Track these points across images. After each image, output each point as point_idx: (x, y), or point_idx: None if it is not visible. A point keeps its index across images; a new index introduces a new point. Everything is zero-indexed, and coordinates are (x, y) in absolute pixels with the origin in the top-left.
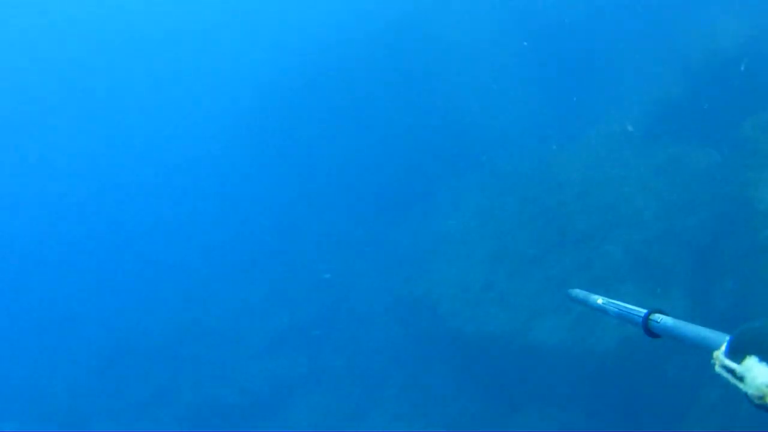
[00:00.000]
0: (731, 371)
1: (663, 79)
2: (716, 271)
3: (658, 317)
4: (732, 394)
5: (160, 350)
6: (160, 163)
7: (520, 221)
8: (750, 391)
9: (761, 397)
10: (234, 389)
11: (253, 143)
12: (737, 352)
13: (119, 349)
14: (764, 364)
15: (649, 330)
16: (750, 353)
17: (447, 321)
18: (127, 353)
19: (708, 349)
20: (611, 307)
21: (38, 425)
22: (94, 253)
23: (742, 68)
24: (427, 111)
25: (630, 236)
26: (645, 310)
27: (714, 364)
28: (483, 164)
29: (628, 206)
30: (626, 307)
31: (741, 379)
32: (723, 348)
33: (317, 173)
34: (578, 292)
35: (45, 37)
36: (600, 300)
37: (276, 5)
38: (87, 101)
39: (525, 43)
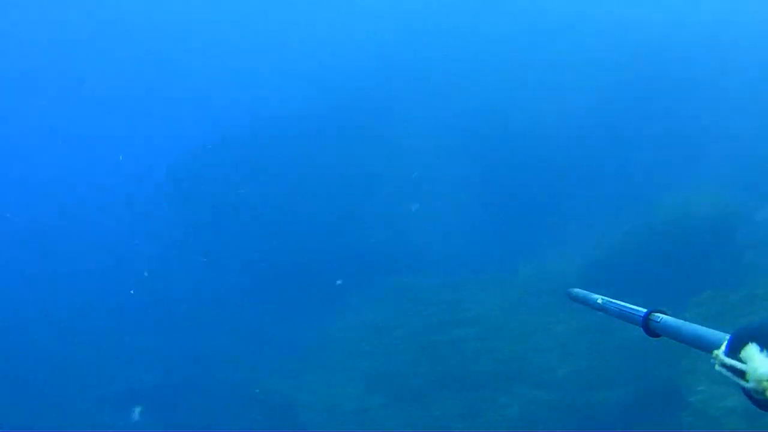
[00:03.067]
0: (732, 369)
1: (609, 238)
2: None
3: (658, 317)
4: None
5: None
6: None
7: (411, 346)
8: (751, 384)
9: (762, 391)
10: None
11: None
12: (737, 351)
13: None
14: (765, 353)
15: (649, 329)
16: (750, 342)
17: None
18: None
19: (708, 349)
20: (611, 307)
21: None
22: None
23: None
24: (348, 208)
25: (532, 395)
26: (645, 310)
27: (714, 364)
28: (389, 275)
29: (538, 362)
30: (626, 307)
31: (742, 375)
32: (723, 347)
33: (223, 246)
34: (578, 292)
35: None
36: (600, 299)
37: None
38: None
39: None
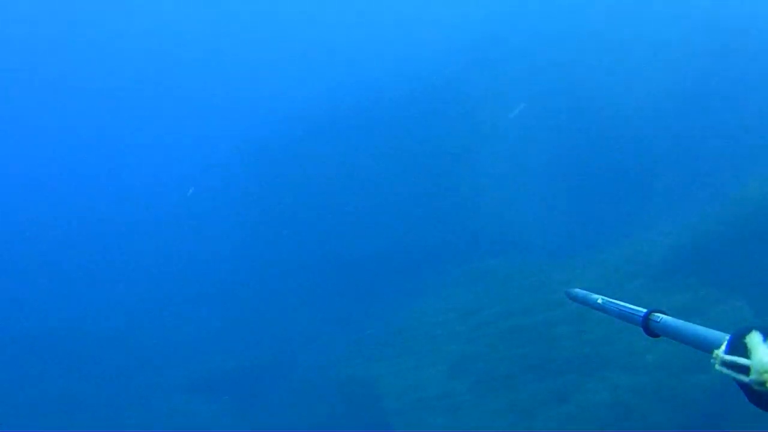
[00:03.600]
0: (733, 366)
1: (697, 222)
2: None
3: (658, 317)
4: None
5: None
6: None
7: (497, 330)
8: (753, 376)
9: (763, 383)
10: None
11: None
12: (737, 350)
13: None
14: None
15: (649, 329)
16: (754, 329)
17: (388, 417)
18: None
19: (708, 349)
20: (611, 307)
21: None
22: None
23: None
24: (435, 191)
25: (621, 379)
26: (645, 310)
27: (714, 363)
28: (474, 259)
29: (627, 345)
30: (626, 307)
31: (742, 371)
32: (723, 347)
33: (303, 242)
34: (578, 291)
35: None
36: (600, 299)
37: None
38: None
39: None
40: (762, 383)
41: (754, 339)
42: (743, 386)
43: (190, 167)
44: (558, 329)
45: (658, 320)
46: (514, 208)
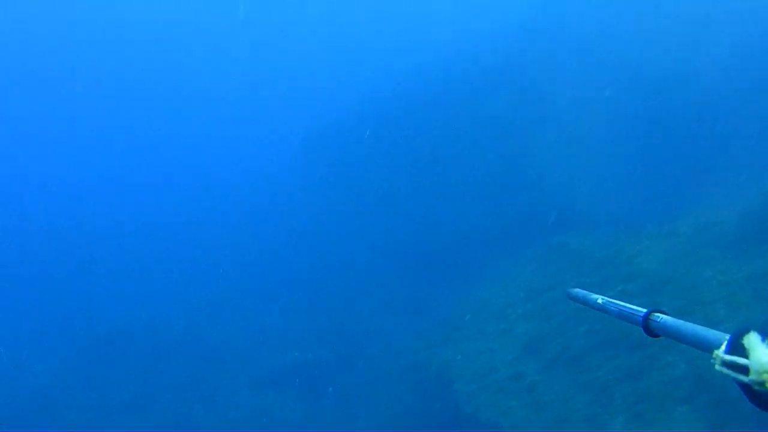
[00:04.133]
0: (733, 366)
1: None
2: None
3: (658, 317)
4: None
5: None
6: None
7: (569, 307)
8: (752, 376)
9: (762, 383)
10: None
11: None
12: (737, 350)
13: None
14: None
15: (649, 329)
16: (753, 330)
17: (460, 401)
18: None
19: (708, 349)
20: (611, 307)
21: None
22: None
23: None
24: (498, 171)
25: (699, 351)
26: (645, 310)
27: (714, 363)
28: (544, 235)
29: (705, 315)
30: (626, 307)
31: (742, 371)
32: (723, 347)
33: (367, 231)
34: (578, 292)
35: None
36: (600, 299)
37: None
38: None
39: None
40: (761, 383)
41: (753, 339)
42: (743, 386)
43: (254, 161)
44: (633, 301)
45: (658, 320)
46: (581, 183)
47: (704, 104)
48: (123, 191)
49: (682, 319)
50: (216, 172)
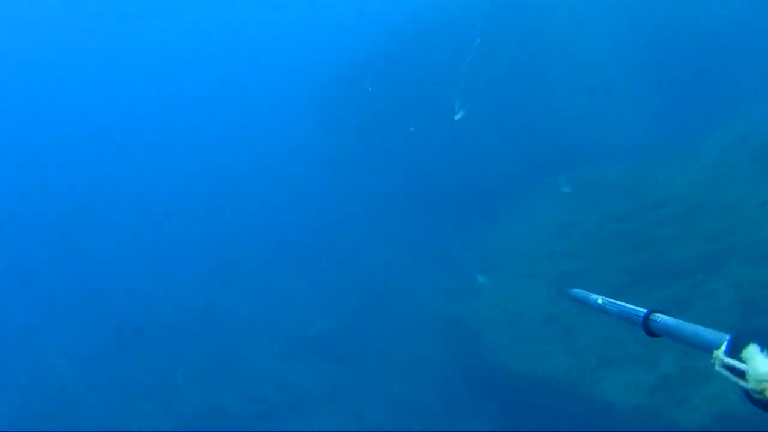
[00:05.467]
0: (732, 369)
1: None
2: None
3: (658, 317)
4: None
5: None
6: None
7: (600, 241)
8: (751, 385)
9: (761, 392)
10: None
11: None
12: (738, 351)
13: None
14: (766, 353)
15: (649, 329)
16: (751, 342)
17: (493, 354)
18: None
19: (708, 349)
20: (611, 307)
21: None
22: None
23: None
24: (511, 106)
25: (744, 275)
26: (645, 310)
27: (714, 364)
28: (563, 170)
29: (745, 237)
30: (626, 307)
31: (742, 375)
32: (723, 347)
33: (385, 168)
34: (578, 292)
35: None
36: (600, 299)
37: None
38: None
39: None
40: (760, 392)
41: (751, 350)
42: (743, 389)
43: (260, 121)
44: (665, 230)
45: (658, 320)
46: (599, 112)
47: (726, 19)
48: (122, 156)
49: (683, 319)
50: (222, 133)
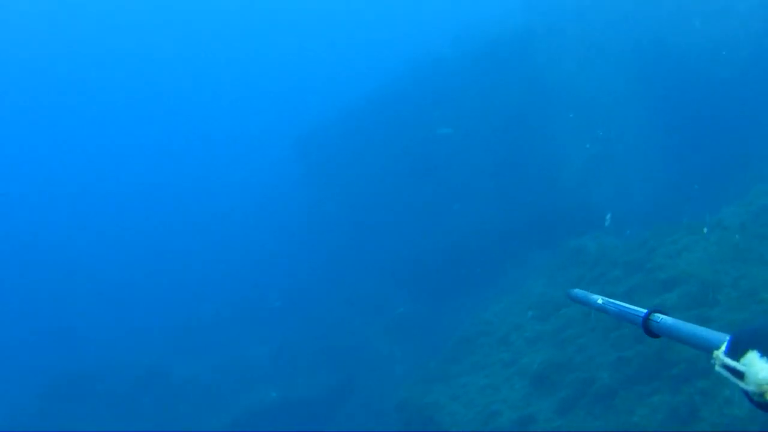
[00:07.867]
0: (732, 369)
1: None
2: None
3: (658, 317)
4: None
5: None
6: None
7: (594, 326)
8: (751, 388)
9: (761, 394)
10: None
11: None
12: (737, 351)
13: None
14: (765, 359)
15: (649, 330)
16: (751, 349)
17: None
18: None
19: (708, 349)
20: (611, 307)
21: None
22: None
23: None
24: (508, 168)
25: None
26: (645, 310)
27: (714, 364)
28: (558, 241)
29: None
30: (626, 307)
31: (742, 376)
32: (723, 347)
33: (365, 233)
34: (578, 292)
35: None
36: (600, 300)
37: None
38: None
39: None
40: (760, 395)
41: (751, 353)
42: (742, 390)
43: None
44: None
45: (658, 320)
46: (599, 177)
47: (734, 81)
48: (96, 210)
49: (683, 320)
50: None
